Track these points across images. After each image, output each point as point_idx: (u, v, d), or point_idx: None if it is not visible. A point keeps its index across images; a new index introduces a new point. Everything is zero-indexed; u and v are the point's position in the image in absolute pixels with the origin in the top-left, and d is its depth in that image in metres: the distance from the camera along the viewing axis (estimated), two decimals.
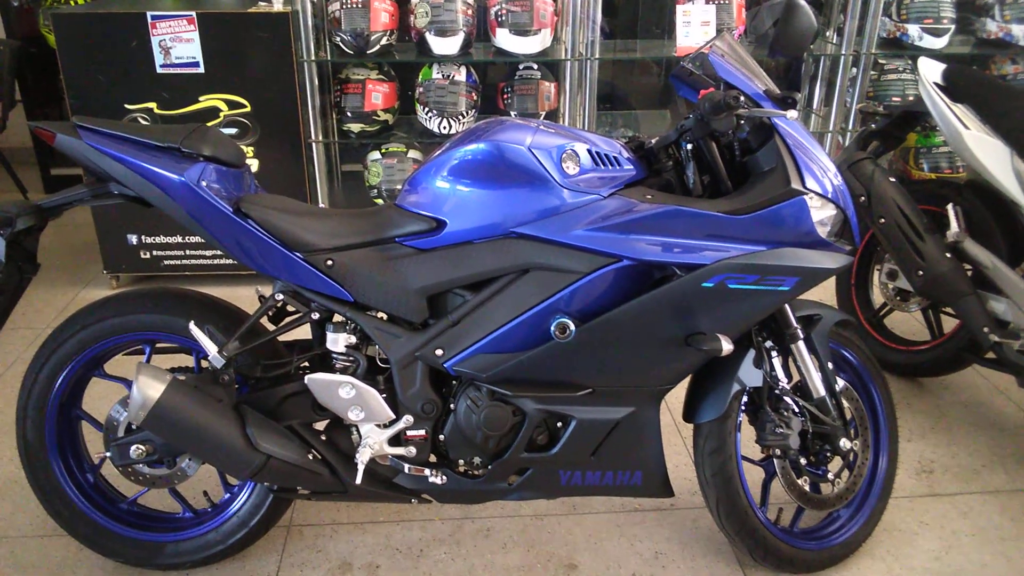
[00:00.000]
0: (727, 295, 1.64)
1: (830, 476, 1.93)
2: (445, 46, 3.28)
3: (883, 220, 2.54)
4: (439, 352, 1.72)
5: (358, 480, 1.73)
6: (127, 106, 3.15)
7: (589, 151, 1.69)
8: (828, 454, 1.90)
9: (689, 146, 1.75)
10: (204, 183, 1.72)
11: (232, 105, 3.19)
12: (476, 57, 3.43)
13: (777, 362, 1.84)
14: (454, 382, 1.79)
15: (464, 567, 2.01)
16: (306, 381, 1.75)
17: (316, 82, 3.25)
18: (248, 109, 3.19)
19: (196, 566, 1.98)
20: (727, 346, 1.62)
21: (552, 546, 2.07)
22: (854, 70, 3.61)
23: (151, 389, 1.64)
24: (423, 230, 1.73)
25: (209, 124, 3.18)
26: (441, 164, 1.73)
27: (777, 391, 1.84)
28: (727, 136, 1.74)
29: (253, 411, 1.77)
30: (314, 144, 3.34)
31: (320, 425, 1.87)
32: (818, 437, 1.90)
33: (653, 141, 1.86)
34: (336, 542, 2.08)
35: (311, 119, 3.28)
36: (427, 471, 1.80)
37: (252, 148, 3.24)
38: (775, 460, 1.88)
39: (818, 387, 1.86)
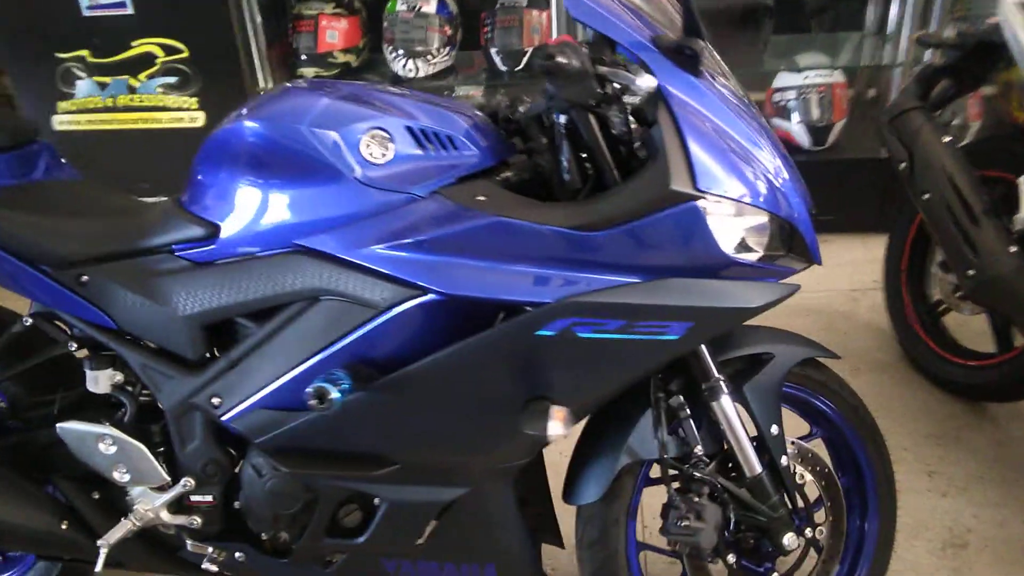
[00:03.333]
0: (577, 348, 1.10)
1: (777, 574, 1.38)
2: None
3: (927, 195, 1.86)
4: (215, 401, 1.28)
5: (101, 557, 1.35)
6: (58, 54, 2.82)
7: (410, 129, 1.17)
8: (769, 550, 1.35)
9: (563, 118, 1.19)
10: None
11: (168, 50, 2.79)
12: None
13: (691, 426, 1.29)
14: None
15: None
16: (57, 430, 1.37)
17: (258, 19, 2.78)
18: (186, 54, 2.79)
19: None
20: (559, 429, 1.09)
21: None
22: None
23: None
24: (198, 237, 1.28)
25: (141, 72, 2.82)
26: (209, 147, 1.27)
27: (686, 468, 1.30)
28: (609, 107, 1.17)
29: None
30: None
31: None
32: (752, 529, 1.35)
33: (522, 109, 1.31)
34: None
35: (256, 64, 2.84)
36: (211, 548, 1.40)
37: (196, 99, 2.86)
38: (684, 559, 1.35)
39: (751, 462, 1.29)
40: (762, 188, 1.11)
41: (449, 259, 1.11)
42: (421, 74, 2.87)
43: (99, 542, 1.33)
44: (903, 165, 1.91)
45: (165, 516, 1.37)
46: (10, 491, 1.38)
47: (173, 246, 1.29)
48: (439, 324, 1.16)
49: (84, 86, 2.86)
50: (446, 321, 1.16)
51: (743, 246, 1.13)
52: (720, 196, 1.07)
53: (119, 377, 1.37)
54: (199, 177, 1.28)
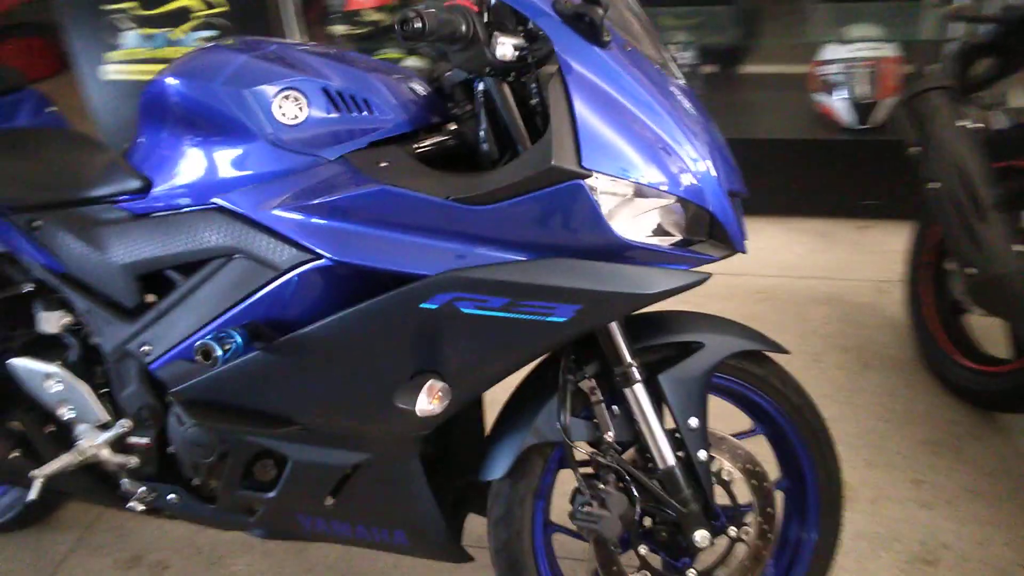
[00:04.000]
0: (460, 323, 1.08)
1: (694, 570, 1.33)
2: None
3: (932, 185, 1.72)
4: (145, 349, 1.33)
5: (34, 487, 1.42)
6: (106, 6, 2.93)
7: (326, 90, 1.16)
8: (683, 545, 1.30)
9: (481, 86, 1.15)
10: None
11: (208, 4, 2.86)
12: None
13: (603, 411, 1.25)
14: None
15: None
16: (7, 365, 1.45)
17: None
18: (226, 8, 2.85)
19: None
20: (429, 406, 1.07)
21: None
22: None
23: None
24: (135, 190, 1.32)
25: (181, 26, 2.90)
26: (142, 102, 1.29)
27: (593, 453, 1.26)
28: (527, 75, 1.12)
29: None
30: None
31: None
32: (663, 522, 1.30)
33: (449, 74, 1.28)
34: (141, 530, 1.82)
35: (284, 21, 2.87)
36: (143, 488, 1.45)
37: None
38: (592, 545, 1.31)
39: (663, 453, 1.24)
40: (668, 168, 1.04)
41: (341, 225, 1.10)
42: None
43: (32, 473, 1.41)
44: (916, 149, 1.77)
45: (105, 454, 1.43)
46: None
47: (115, 197, 1.33)
48: (336, 290, 1.16)
49: (131, 37, 2.97)
50: (342, 287, 1.16)
51: (648, 229, 1.08)
52: (611, 176, 1.01)
53: (67, 319, 1.44)
54: (137, 131, 1.32)
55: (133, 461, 1.43)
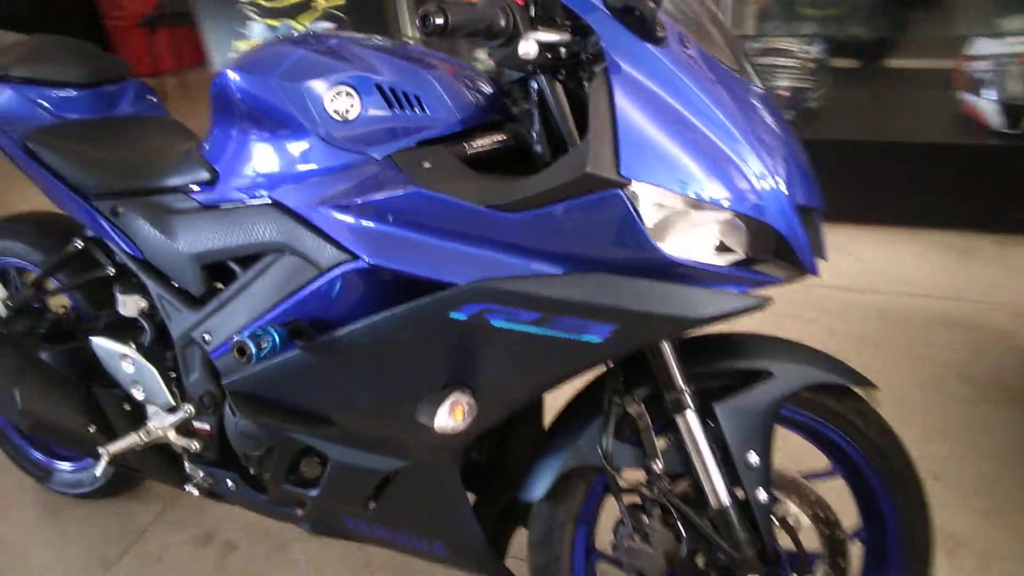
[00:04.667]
0: (489, 336, 1.02)
1: None
2: None
3: None
4: (207, 337, 1.35)
5: (101, 463, 1.48)
6: None
7: (379, 87, 1.13)
8: None
9: (535, 84, 1.09)
10: None
11: None
12: None
13: (651, 438, 1.15)
14: None
15: (314, 573, 1.69)
16: (90, 342, 1.52)
17: None
18: (343, 2, 2.91)
19: (76, 496, 1.95)
20: (448, 421, 1.01)
21: None
22: None
23: None
24: (205, 181, 1.34)
25: (301, 16, 2.98)
26: (210, 94, 1.31)
27: (639, 483, 1.16)
28: (582, 72, 1.04)
29: (46, 365, 1.59)
30: (409, 42, 2.97)
31: None
32: (713, 566, 1.18)
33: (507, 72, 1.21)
34: (216, 510, 1.88)
35: (399, 12, 2.89)
36: (202, 472, 1.49)
37: None
38: None
39: (717, 491, 1.12)
40: (725, 180, 0.93)
41: (378, 227, 1.07)
42: None
43: (100, 449, 1.47)
44: None
45: (171, 436, 1.48)
46: (56, 389, 1.56)
47: (189, 187, 1.36)
48: (376, 293, 1.13)
49: (257, 28, 3.09)
50: (382, 290, 1.12)
51: (707, 245, 0.97)
52: (654, 186, 0.92)
53: (143, 304, 1.49)
54: (210, 122, 1.34)
55: (195, 445, 1.47)
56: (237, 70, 1.21)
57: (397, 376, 1.11)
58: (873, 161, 2.63)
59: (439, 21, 0.86)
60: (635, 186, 0.91)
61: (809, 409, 1.18)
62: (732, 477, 1.13)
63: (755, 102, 1.02)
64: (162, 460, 1.55)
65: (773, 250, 1.01)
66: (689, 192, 0.92)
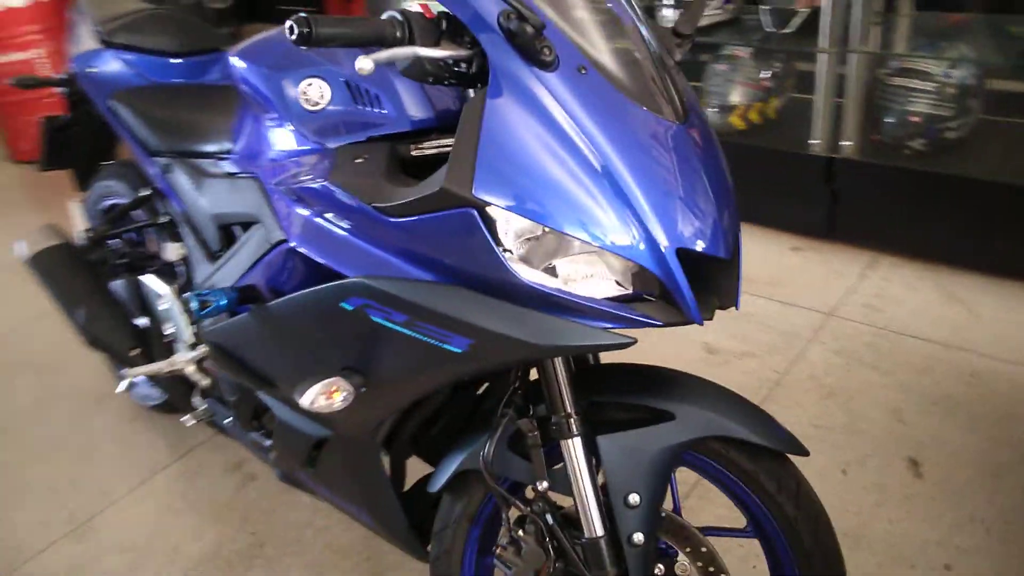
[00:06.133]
0: (369, 330, 1.07)
1: None
2: None
3: None
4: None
5: (123, 383, 1.70)
6: None
7: (347, 83, 1.22)
8: None
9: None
10: (93, 70, 1.76)
11: None
12: None
13: (540, 456, 1.15)
14: None
15: (317, 515, 1.85)
16: (141, 280, 1.75)
17: None
18: None
19: (148, 408, 2.24)
20: (311, 401, 1.07)
21: None
22: None
23: (26, 247, 1.84)
24: (226, 150, 1.51)
25: None
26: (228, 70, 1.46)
27: (516, 498, 1.17)
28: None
29: (108, 292, 1.83)
30: None
31: None
32: None
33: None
34: None
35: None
36: (204, 405, 1.67)
37: None
38: None
39: (591, 521, 1.10)
40: (588, 213, 0.91)
41: (303, 213, 1.15)
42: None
43: (123, 371, 1.70)
44: None
45: (189, 370, 1.68)
46: (112, 314, 1.81)
47: (219, 154, 1.53)
48: (307, 272, 1.22)
49: None
50: (312, 271, 1.21)
51: (588, 277, 0.96)
52: (507, 210, 0.92)
53: (182, 252, 1.70)
54: None
55: (205, 382, 1.66)
56: (238, 54, 1.34)
57: (304, 352, 1.20)
58: (1014, 206, 2.33)
59: (304, 30, 0.90)
60: (494, 209, 0.92)
61: (716, 460, 1.13)
62: (610, 513, 1.11)
63: (658, 135, 0.98)
64: (178, 388, 1.76)
65: (659, 291, 0.97)
66: (540, 219, 0.91)
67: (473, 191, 0.92)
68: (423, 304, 1.00)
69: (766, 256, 2.77)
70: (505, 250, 0.93)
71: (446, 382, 1.13)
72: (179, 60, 1.82)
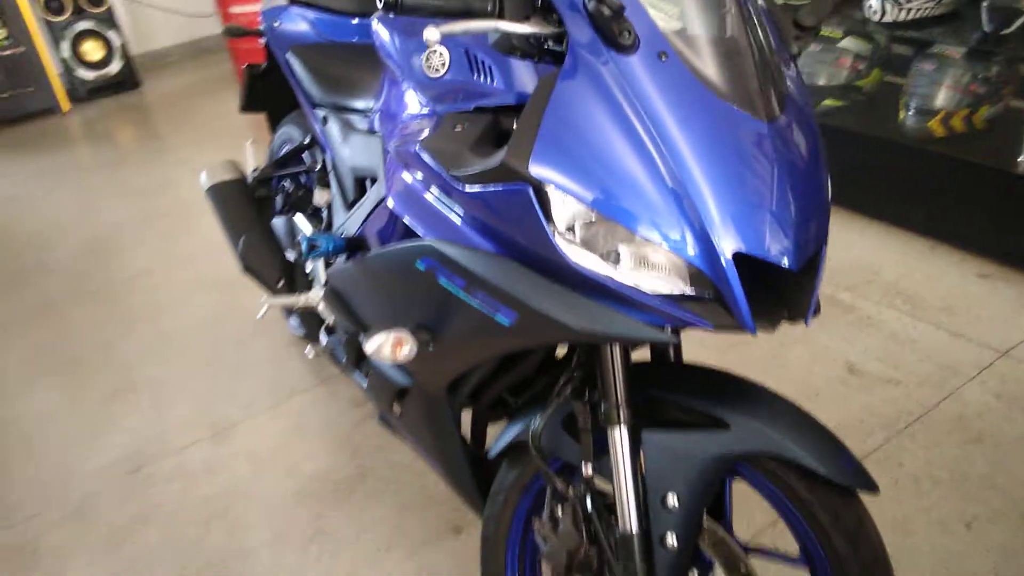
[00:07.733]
0: (438, 292, 1.11)
1: None
2: None
3: None
4: (344, 234, 1.66)
5: (263, 310, 1.86)
6: None
7: (467, 52, 1.27)
8: None
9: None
10: (277, 24, 1.93)
11: None
12: None
13: (588, 440, 1.15)
14: None
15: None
16: (294, 219, 1.92)
17: None
18: None
19: (298, 336, 2.46)
20: (377, 350, 1.13)
21: None
22: None
23: (207, 178, 2.07)
24: (370, 108, 1.63)
25: None
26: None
27: (561, 477, 1.17)
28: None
29: (266, 225, 2.01)
30: None
31: None
32: None
33: None
34: None
35: None
36: (327, 339, 1.81)
37: None
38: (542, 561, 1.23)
39: (626, 517, 1.09)
40: (648, 206, 0.89)
41: (400, 174, 1.22)
42: (888, 18, 2.44)
43: (260, 300, 1.88)
44: None
45: (321, 307, 1.83)
46: (266, 246, 1.99)
47: (365, 111, 1.65)
48: (402, 228, 1.29)
49: None
50: (404, 228, 1.29)
51: (645, 270, 0.94)
52: (561, 190, 0.92)
53: (328, 198, 1.84)
54: None
55: (331, 319, 1.80)
56: (379, 20, 1.42)
57: (387, 303, 1.27)
58: None
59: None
60: (550, 188, 0.93)
61: (771, 480, 1.07)
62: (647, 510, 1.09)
63: (737, 132, 0.93)
64: (312, 320, 1.92)
65: (713, 293, 0.94)
66: (590, 203, 0.91)
67: (529, 168, 0.93)
68: (478, 272, 1.03)
69: (944, 279, 2.51)
70: (564, 230, 0.94)
71: (497, 353, 1.16)
72: (356, 20, 1.96)
